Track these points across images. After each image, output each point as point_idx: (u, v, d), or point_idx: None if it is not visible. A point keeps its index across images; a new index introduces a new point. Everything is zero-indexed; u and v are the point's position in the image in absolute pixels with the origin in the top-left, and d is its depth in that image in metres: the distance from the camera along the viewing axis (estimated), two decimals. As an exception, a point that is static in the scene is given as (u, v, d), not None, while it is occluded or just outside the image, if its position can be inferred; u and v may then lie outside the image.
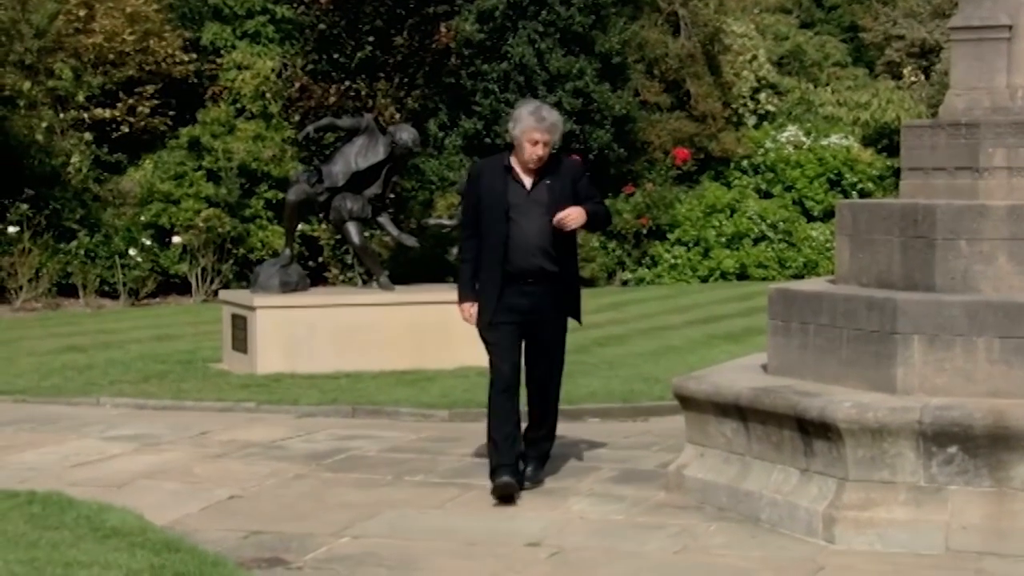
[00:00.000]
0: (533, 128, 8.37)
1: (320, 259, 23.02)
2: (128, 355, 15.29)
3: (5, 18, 22.77)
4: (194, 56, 25.68)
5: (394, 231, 15.30)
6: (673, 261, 26.26)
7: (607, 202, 26.07)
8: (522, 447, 8.67)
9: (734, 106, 29.52)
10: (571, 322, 8.87)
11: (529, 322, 8.50)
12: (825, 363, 8.01)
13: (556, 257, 8.50)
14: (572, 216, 8.36)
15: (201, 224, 22.44)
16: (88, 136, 23.96)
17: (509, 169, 8.50)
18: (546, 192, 8.44)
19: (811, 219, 27.78)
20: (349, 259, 21.78)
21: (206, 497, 8.59)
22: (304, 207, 14.99)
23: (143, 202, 23.32)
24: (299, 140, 20.50)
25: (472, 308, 8.59)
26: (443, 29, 21.31)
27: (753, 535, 7.59)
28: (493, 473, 8.41)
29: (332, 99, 20.44)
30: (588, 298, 22.67)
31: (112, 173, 24.54)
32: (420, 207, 23.75)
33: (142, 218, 22.99)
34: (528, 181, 8.47)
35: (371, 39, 20.76)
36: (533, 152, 8.36)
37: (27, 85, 23.01)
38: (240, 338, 14.13)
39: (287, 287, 14.31)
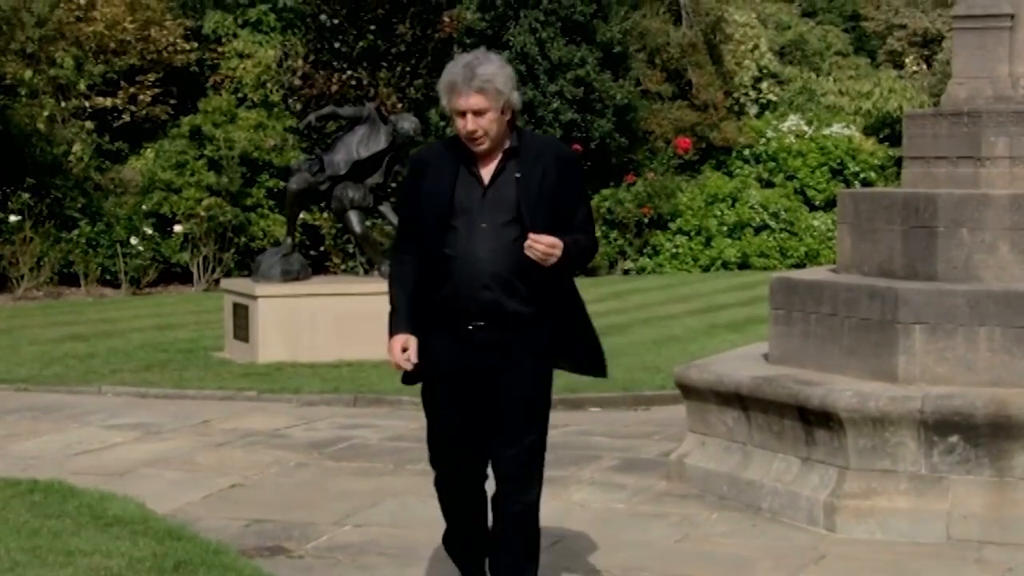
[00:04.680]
0: (455, 89, 5.49)
1: (322, 248, 23.03)
2: (129, 344, 15.30)
3: (6, 6, 22.76)
4: (195, 44, 25.69)
5: (395, 220, 15.30)
6: (675, 250, 26.26)
7: (607, 192, 26.59)
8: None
9: (736, 95, 29.52)
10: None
11: (484, 381, 5.62)
12: (826, 352, 8.01)
13: (526, 290, 5.55)
14: (541, 248, 5.45)
15: (202, 213, 22.45)
16: (89, 125, 23.98)
17: (461, 157, 5.63)
18: (513, 190, 5.55)
19: (813, 208, 27.78)
20: (351, 248, 21.80)
21: (208, 485, 8.59)
22: (306, 196, 14.99)
23: (144, 191, 23.33)
24: (300, 129, 20.51)
25: (409, 342, 5.68)
26: (446, 19, 21.31)
27: (754, 524, 7.59)
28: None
29: (334, 88, 20.45)
30: (589, 287, 22.73)
31: (113, 162, 24.56)
32: (422, 196, 23.70)
33: (143, 207, 23.00)
34: (486, 174, 5.59)
35: (373, 28, 20.76)
36: (463, 127, 5.52)
37: (28, 74, 23.02)
38: (241, 327, 14.14)
39: (288, 276, 14.33)
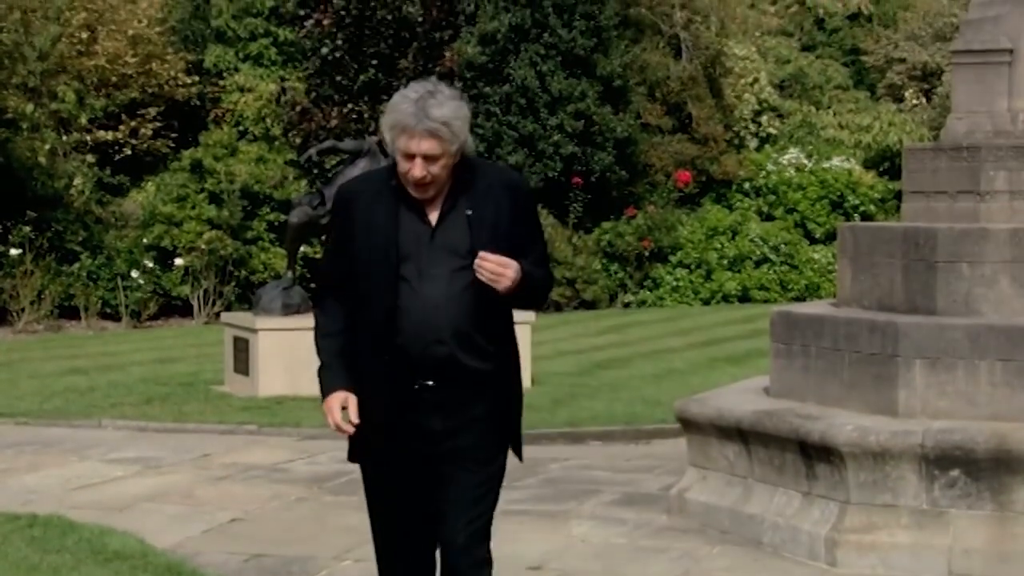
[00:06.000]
0: (405, 130, 4.82)
1: (322, 281, 23.00)
2: (130, 377, 15.28)
3: (8, 41, 22.82)
4: (196, 78, 25.77)
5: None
6: (675, 283, 26.26)
7: (608, 225, 26.60)
8: None
9: (736, 129, 29.57)
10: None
11: (435, 454, 4.95)
12: (827, 386, 8.01)
13: (485, 343, 4.94)
14: (499, 270, 4.82)
15: (203, 246, 22.45)
16: (91, 158, 24.02)
17: (400, 192, 4.93)
18: (463, 229, 4.91)
19: (813, 241, 27.80)
20: (351, 281, 21.78)
21: (208, 520, 8.57)
22: (306, 229, 15.01)
23: (145, 224, 23.35)
24: (301, 162, 20.54)
25: (349, 401, 4.94)
26: (447, 53, 21.38)
27: (755, 559, 7.58)
28: None
29: (334, 122, 20.48)
30: (590, 320, 22.68)
31: (114, 195, 24.59)
32: (422, 229, 23.71)
33: (144, 240, 23.00)
34: (433, 212, 4.93)
35: (375, 63, 20.82)
36: (411, 172, 4.84)
37: (30, 107, 23.06)
38: (242, 360, 14.13)
39: (289, 309, 14.33)
